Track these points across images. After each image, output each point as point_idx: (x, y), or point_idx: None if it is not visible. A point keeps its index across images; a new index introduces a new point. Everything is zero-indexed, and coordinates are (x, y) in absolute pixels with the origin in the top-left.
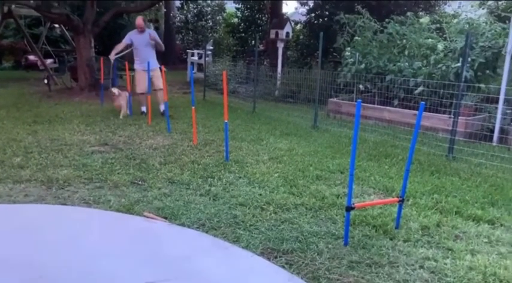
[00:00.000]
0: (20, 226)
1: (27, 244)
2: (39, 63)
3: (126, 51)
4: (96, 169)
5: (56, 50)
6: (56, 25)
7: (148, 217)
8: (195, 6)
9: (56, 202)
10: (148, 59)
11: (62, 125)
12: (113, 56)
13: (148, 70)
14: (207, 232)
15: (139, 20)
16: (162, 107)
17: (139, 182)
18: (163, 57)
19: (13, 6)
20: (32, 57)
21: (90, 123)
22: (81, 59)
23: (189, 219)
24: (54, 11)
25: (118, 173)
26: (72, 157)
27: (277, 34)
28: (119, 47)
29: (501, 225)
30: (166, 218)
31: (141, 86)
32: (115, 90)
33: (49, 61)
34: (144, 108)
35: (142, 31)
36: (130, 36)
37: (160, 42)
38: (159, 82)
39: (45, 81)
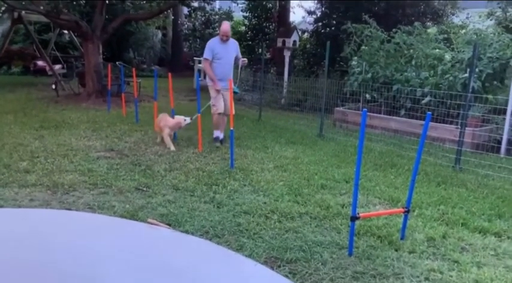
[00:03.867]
0: (24, 231)
1: (32, 248)
2: (47, 68)
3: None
4: (101, 175)
5: (65, 55)
6: (65, 31)
7: (152, 223)
8: (202, 14)
9: (60, 207)
10: (229, 75)
11: (68, 130)
12: (211, 78)
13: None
14: (210, 239)
15: (226, 25)
16: (221, 135)
17: (144, 188)
18: (171, 65)
19: (23, 12)
20: (40, 63)
21: (97, 129)
22: (89, 65)
23: (193, 226)
24: (63, 17)
25: (123, 179)
26: (77, 163)
27: (284, 42)
28: (208, 69)
29: (508, 237)
30: (170, 225)
31: (221, 104)
32: (187, 120)
33: (57, 67)
34: (221, 135)
35: (227, 39)
36: (212, 47)
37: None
38: (232, 105)
39: (53, 86)
